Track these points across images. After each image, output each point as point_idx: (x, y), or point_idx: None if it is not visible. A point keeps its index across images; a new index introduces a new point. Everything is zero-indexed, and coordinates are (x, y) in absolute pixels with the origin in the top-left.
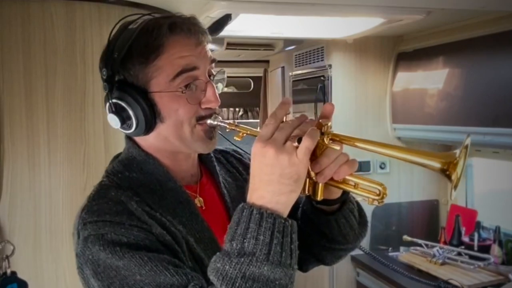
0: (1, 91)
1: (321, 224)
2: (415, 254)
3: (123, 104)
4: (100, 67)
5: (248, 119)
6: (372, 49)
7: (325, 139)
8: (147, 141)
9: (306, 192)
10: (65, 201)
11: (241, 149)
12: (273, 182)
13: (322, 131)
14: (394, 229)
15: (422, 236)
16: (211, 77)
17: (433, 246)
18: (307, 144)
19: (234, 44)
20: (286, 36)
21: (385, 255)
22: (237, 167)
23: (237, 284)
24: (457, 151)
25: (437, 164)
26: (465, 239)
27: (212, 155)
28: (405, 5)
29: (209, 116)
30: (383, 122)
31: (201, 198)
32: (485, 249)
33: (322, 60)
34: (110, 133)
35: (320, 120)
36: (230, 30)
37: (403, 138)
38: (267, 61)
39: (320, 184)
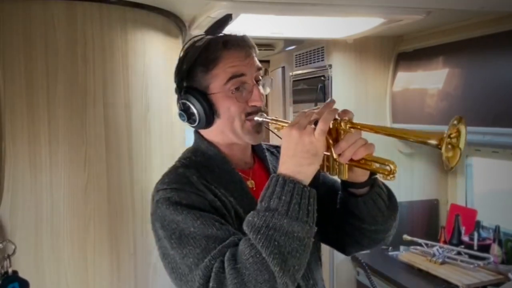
0: (3, 91)
1: (352, 205)
2: (415, 253)
3: (188, 103)
4: (174, 75)
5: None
6: (372, 49)
7: (343, 125)
8: (210, 135)
9: (333, 173)
10: (66, 200)
11: None
12: (296, 156)
13: (343, 118)
14: None
15: (422, 236)
16: (258, 82)
17: (433, 246)
18: (321, 126)
19: None
20: (286, 36)
21: (385, 254)
22: None
23: (262, 231)
24: (446, 131)
25: (431, 141)
26: (465, 238)
27: (264, 147)
28: (405, 5)
29: (255, 113)
30: (383, 122)
31: (252, 181)
32: (485, 248)
33: (322, 60)
34: (111, 133)
35: (341, 110)
36: (230, 30)
37: None
38: (268, 61)
39: (344, 165)
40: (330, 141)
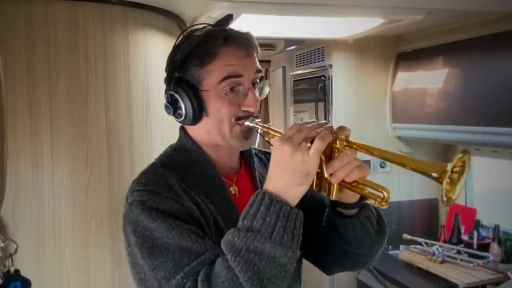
0: (5, 91)
1: (338, 226)
2: (415, 252)
3: (177, 96)
4: (166, 64)
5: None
6: (372, 49)
7: (338, 144)
8: (195, 132)
9: (323, 192)
10: (68, 199)
11: None
12: (286, 175)
13: (338, 137)
14: (394, 228)
15: (422, 235)
16: (255, 85)
17: (432, 245)
18: (317, 145)
19: None
20: (287, 36)
21: (385, 253)
22: None
23: (241, 254)
24: (449, 164)
25: (433, 173)
26: (465, 237)
27: (253, 152)
28: (405, 5)
29: (247, 118)
30: (383, 122)
31: (236, 187)
32: (485, 247)
33: (322, 60)
34: (113, 132)
35: (338, 127)
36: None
37: (403, 137)
38: (268, 61)
39: (335, 185)
40: (323, 158)
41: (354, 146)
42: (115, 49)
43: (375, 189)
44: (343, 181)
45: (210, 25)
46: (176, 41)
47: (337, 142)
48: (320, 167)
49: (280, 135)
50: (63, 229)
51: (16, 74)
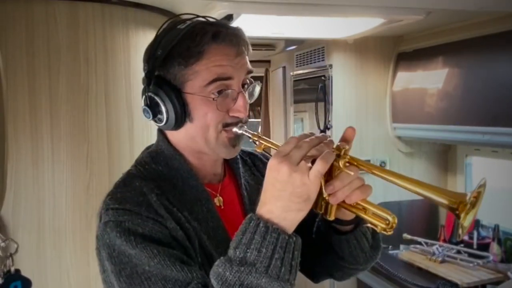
0: (5, 90)
1: (333, 243)
2: (415, 252)
3: (157, 99)
4: (143, 60)
5: (249, 118)
6: (372, 49)
7: (340, 163)
8: (176, 137)
9: (319, 210)
10: (68, 199)
11: (268, 153)
12: (283, 198)
13: (340, 154)
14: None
15: (421, 234)
16: (245, 86)
17: (432, 244)
18: (319, 168)
19: None
20: (287, 36)
21: (385, 253)
22: (262, 171)
23: None
24: (469, 193)
25: (447, 203)
26: (465, 237)
27: (238, 156)
28: (405, 5)
29: (235, 124)
30: (383, 121)
31: (221, 198)
32: (484, 247)
33: (323, 60)
34: (113, 132)
35: (339, 143)
36: None
37: (403, 137)
38: (268, 61)
39: (333, 205)
40: (322, 176)
41: (356, 164)
42: (116, 49)
43: (379, 213)
44: (343, 201)
45: (196, 16)
46: (157, 33)
47: (340, 162)
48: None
49: (271, 145)
50: (64, 228)
51: (17, 74)
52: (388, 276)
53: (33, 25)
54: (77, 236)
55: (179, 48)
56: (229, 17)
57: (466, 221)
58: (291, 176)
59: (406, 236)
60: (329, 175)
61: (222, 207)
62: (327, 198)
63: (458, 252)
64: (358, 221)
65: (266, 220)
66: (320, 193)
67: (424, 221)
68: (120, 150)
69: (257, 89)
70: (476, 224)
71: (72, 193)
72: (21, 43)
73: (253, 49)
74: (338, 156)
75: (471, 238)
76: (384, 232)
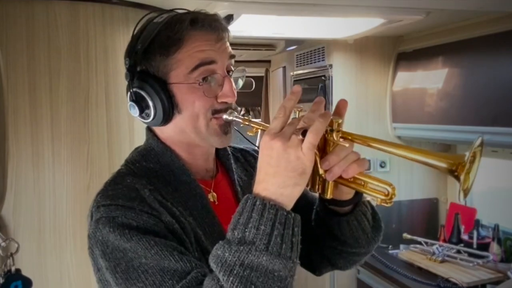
0: (6, 90)
1: (333, 226)
2: (415, 251)
3: (142, 93)
4: (124, 57)
5: (249, 118)
6: (372, 49)
7: (334, 136)
8: (166, 133)
9: (315, 189)
10: (69, 199)
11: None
12: (278, 174)
13: (333, 128)
14: (394, 227)
15: (421, 234)
16: (230, 73)
17: (432, 244)
18: (311, 139)
19: (236, 44)
20: (287, 36)
21: (385, 252)
22: (254, 166)
23: (235, 271)
24: (467, 153)
25: (446, 165)
26: (464, 237)
27: (229, 152)
28: (405, 5)
29: (225, 111)
30: (383, 121)
31: (214, 194)
32: (484, 247)
33: (323, 60)
34: (114, 132)
35: (332, 117)
36: (232, 31)
37: (403, 137)
38: (269, 61)
39: (330, 182)
40: (316, 152)
41: (350, 138)
42: (116, 49)
43: (377, 185)
44: (340, 177)
45: (173, 10)
46: (134, 30)
47: (334, 135)
48: (315, 162)
49: (262, 127)
50: (64, 228)
51: (17, 74)
52: (388, 276)
53: (34, 25)
54: (77, 235)
55: (159, 39)
56: (229, 17)
57: (466, 181)
58: (284, 151)
59: (406, 235)
60: (324, 152)
61: (217, 203)
62: (323, 175)
63: (458, 251)
64: (357, 201)
65: (263, 198)
66: (316, 171)
67: (424, 221)
68: (121, 150)
69: (242, 74)
70: (476, 224)
71: (73, 193)
72: (22, 43)
73: (253, 49)
74: (332, 131)
75: (471, 237)
76: (385, 204)
